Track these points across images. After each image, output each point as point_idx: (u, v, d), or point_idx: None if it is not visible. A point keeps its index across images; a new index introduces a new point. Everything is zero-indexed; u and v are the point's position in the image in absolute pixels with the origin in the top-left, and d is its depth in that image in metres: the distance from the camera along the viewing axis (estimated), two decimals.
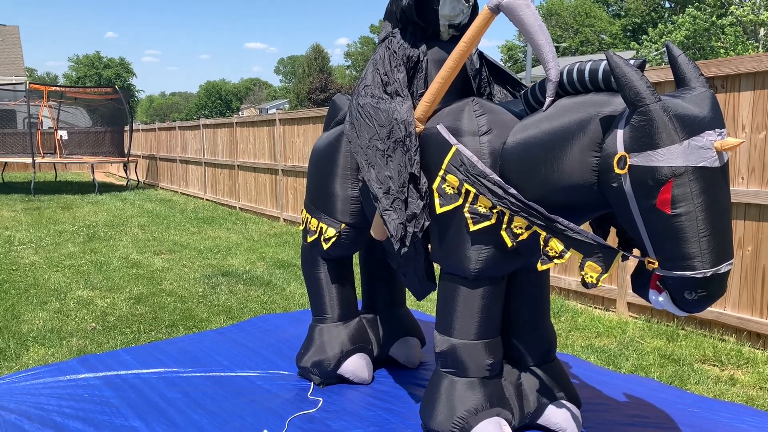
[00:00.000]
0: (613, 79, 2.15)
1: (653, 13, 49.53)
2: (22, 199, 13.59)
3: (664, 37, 30.07)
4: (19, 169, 21.54)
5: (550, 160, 2.35)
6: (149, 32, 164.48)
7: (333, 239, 3.28)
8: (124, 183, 17.15)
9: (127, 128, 16.20)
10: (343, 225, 3.26)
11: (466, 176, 2.53)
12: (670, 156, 1.98)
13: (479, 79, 3.05)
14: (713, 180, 2.00)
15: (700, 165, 1.97)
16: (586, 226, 2.76)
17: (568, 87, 2.41)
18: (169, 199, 14.16)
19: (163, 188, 16.67)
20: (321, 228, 3.32)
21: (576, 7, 57.00)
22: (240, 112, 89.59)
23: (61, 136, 15.47)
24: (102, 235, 8.85)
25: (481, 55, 3.09)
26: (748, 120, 4.07)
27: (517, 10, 2.47)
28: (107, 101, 16.15)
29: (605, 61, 2.24)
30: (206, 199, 13.69)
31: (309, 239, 3.40)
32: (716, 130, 2.01)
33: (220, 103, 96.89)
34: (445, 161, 2.59)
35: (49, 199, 13.56)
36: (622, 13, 56.32)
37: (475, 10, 2.94)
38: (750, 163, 4.08)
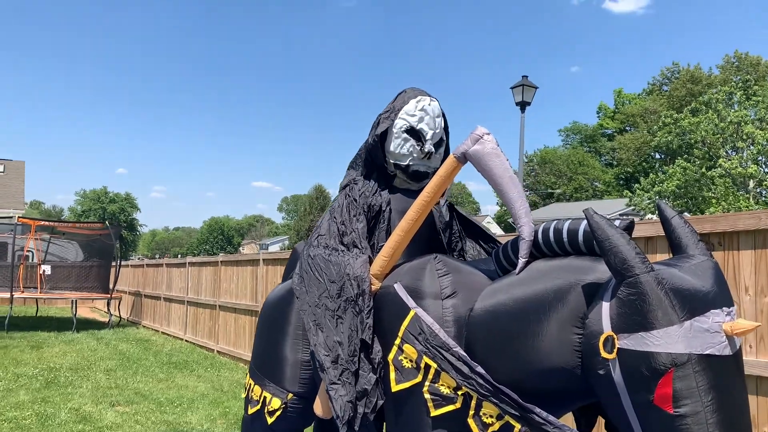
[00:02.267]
0: (595, 243, 1.80)
1: (644, 164, 51.25)
2: None
3: (656, 186, 30.70)
4: (5, 302, 20.94)
5: (523, 335, 1.94)
6: (158, 170, 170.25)
7: (278, 412, 2.78)
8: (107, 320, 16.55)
9: (114, 264, 15.90)
10: (290, 395, 2.78)
11: (425, 347, 2.11)
12: (669, 340, 1.58)
13: (449, 233, 2.72)
14: (725, 371, 1.58)
15: (707, 353, 1.57)
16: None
17: (544, 248, 2.06)
18: (147, 339, 13.51)
19: (145, 326, 16.04)
20: (264, 398, 2.83)
21: (569, 156, 59.19)
22: (241, 248, 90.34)
23: (44, 271, 15.11)
24: (62, 380, 8.19)
25: (451, 207, 2.78)
26: (751, 281, 3.69)
27: (485, 159, 2.18)
28: (96, 236, 15.96)
29: (586, 221, 1.90)
30: (185, 340, 13.05)
31: (250, 410, 2.90)
32: (723, 308, 1.62)
33: (221, 238, 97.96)
34: (402, 327, 2.18)
35: (21, 337, 12.92)
36: (614, 163, 58.34)
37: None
38: (758, 330, 3.65)
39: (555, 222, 2.05)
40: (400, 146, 2.58)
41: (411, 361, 2.14)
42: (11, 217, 19.86)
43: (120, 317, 17.14)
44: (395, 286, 2.27)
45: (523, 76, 14.18)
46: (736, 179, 28.78)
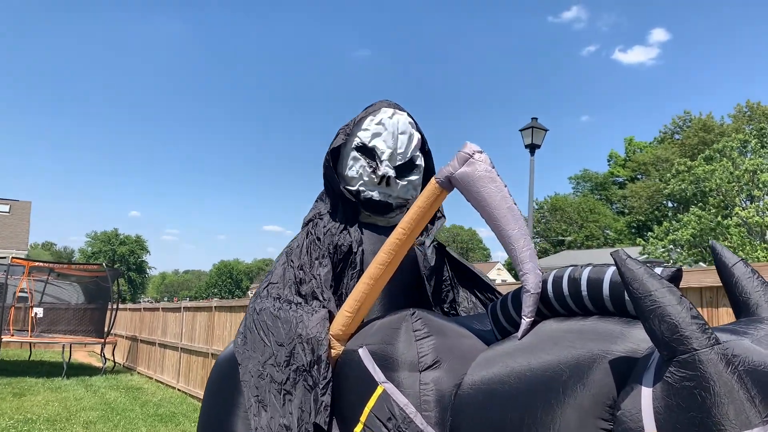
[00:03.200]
0: (628, 298, 1.27)
1: (656, 212, 50.57)
2: None
3: (671, 234, 29.99)
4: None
5: (528, 424, 1.39)
6: (171, 213, 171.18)
7: None
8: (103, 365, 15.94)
9: (110, 308, 15.37)
10: None
11: None
12: None
13: (437, 281, 2.20)
14: None
15: None
16: None
17: (555, 303, 1.53)
18: (139, 387, 12.88)
19: (140, 373, 15.39)
20: None
21: (580, 203, 58.69)
22: (249, 293, 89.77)
23: (35, 314, 14.59)
24: None
25: (441, 248, 2.26)
26: None
27: (476, 184, 1.67)
28: (92, 278, 15.48)
29: (613, 267, 1.38)
30: (178, 389, 12.39)
31: None
32: None
33: (230, 282, 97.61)
34: (366, 409, 1.64)
35: (6, 383, 12.32)
36: (626, 211, 57.70)
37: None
38: None
39: (570, 269, 1.52)
40: (349, 167, 2.10)
41: None
42: (5, 258, 19.49)
43: (115, 363, 16.51)
44: (360, 351, 1.74)
45: (532, 118, 13.79)
46: (752, 228, 28.06)
